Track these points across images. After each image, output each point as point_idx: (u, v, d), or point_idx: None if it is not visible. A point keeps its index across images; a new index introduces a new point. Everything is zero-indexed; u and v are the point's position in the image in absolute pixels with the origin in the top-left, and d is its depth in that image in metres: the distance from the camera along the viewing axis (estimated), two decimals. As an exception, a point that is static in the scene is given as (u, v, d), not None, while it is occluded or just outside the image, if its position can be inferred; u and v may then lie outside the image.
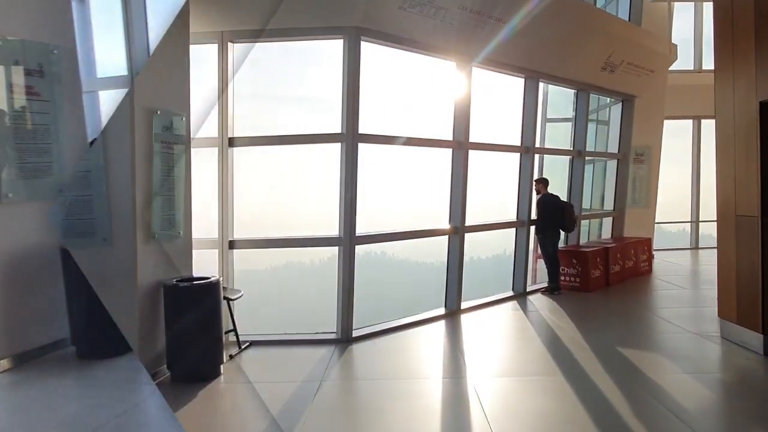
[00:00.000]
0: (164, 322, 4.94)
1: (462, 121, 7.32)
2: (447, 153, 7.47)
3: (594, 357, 5.56)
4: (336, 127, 6.10)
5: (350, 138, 6.01)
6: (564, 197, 9.31)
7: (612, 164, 11.18)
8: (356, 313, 6.32)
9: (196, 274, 5.35)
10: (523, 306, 7.98)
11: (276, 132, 6.14)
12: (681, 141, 14.85)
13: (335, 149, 6.15)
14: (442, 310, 7.42)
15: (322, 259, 7.13)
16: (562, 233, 8.84)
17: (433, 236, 7.28)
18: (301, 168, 6.43)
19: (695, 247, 14.25)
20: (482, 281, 8.78)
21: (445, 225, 7.45)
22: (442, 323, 7.00)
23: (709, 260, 12.71)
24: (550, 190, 8.67)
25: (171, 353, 4.95)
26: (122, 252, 4.67)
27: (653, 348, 5.96)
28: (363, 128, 6.12)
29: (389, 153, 6.84)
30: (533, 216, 8.69)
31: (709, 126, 14.21)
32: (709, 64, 13.85)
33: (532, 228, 8.71)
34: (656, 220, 12.53)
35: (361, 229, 6.27)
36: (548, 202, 8.58)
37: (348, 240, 6.10)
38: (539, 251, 8.87)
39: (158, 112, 4.86)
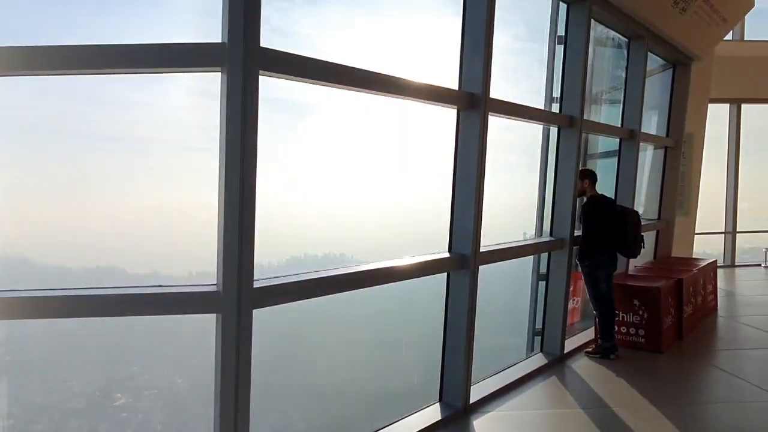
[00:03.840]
0: None
1: (476, 60, 3.91)
2: (445, 117, 4.05)
3: None
4: (214, 34, 2.58)
5: (240, 57, 2.49)
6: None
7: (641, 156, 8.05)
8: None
9: None
10: (570, 386, 4.65)
11: (55, 40, 2.55)
12: (711, 131, 11.92)
13: (213, 84, 2.62)
14: (436, 411, 3.97)
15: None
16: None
17: (421, 276, 3.80)
18: (131, 127, 2.90)
19: (731, 264, 11.32)
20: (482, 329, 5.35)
21: (442, 252, 4.03)
22: (440, 449, 3.56)
23: (764, 284, 9.84)
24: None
25: None
26: None
27: None
28: (269, 40, 2.62)
29: (324, 106, 3.41)
30: (577, 231, 5.37)
31: (753, 112, 11.33)
32: (756, 32, 10.98)
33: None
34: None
35: (264, 262, 2.79)
36: (599, 208, 5.27)
37: (236, 296, 2.57)
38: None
39: None
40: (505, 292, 6.27)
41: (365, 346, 5.21)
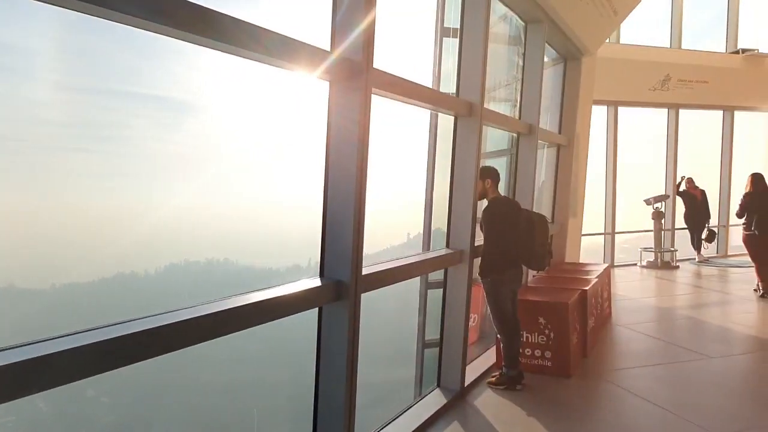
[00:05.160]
0: None
1: (353, 14, 2.84)
2: (307, 90, 2.96)
3: None
4: None
5: None
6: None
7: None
8: None
9: None
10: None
11: None
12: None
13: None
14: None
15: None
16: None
17: (274, 320, 2.63)
18: None
19: (611, 265, 11.41)
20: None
21: (312, 279, 2.90)
22: None
23: (644, 285, 9.92)
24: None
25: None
26: None
27: None
28: None
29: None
30: (479, 241, 4.52)
31: (629, 114, 11.55)
32: (632, 36, 11.18)
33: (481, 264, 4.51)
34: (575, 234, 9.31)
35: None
36: (503, 213, 4.48)
37: None
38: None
39: None
40: (386, 309, 5.34)
41: (213, 392, 4.00)
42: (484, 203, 4.53)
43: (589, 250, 11.83)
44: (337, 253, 2.87)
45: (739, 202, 7.97)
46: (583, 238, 10.77)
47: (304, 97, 3.44)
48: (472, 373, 4.76)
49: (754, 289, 8.15)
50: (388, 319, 5.54)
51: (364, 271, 2.97)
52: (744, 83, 11.59)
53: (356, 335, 2.93)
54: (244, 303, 2.38)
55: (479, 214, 4.55)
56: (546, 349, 4.83)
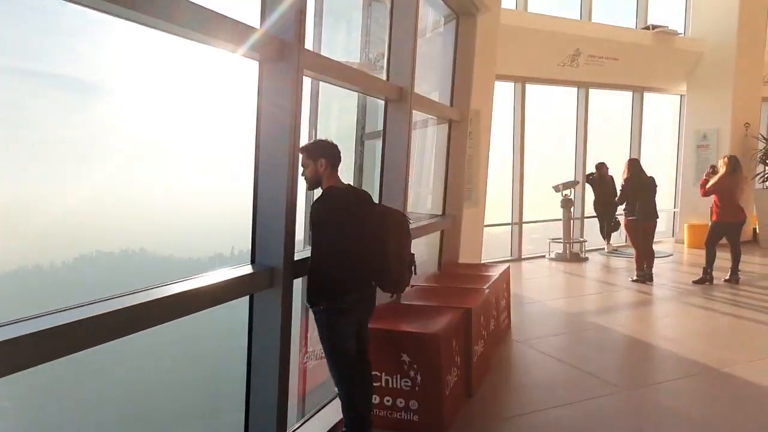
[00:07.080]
0: None
1: None
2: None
3: None
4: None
5: None
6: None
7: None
8: None
9: None
10: None
11: None
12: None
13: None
14: None
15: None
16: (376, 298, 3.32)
17: None
18: None
19: (518, 257, 10.44)
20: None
21: None
22: None
23: (551, 282, 8.93)
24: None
25: None
26: None
27: None
28: None
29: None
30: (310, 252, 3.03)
31: (540, 92, 10.52)
32: (540, 5, 10.11)
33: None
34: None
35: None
36: (340, 210, 3.02)
37: None
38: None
39: None
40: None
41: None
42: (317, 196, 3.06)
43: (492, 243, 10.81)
44: None
45: (620, 189, 7.97)
46: (487, 229, 9.68)
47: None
48: (308, 436, 3.33)
49: (632, 279, 7.93)
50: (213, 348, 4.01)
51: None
52: (654, 62, 10.92)
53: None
54: None
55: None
56: (411, 398, 3.46)
